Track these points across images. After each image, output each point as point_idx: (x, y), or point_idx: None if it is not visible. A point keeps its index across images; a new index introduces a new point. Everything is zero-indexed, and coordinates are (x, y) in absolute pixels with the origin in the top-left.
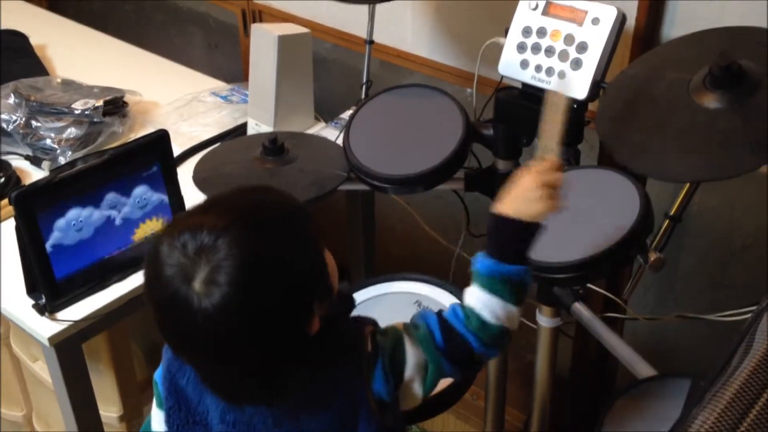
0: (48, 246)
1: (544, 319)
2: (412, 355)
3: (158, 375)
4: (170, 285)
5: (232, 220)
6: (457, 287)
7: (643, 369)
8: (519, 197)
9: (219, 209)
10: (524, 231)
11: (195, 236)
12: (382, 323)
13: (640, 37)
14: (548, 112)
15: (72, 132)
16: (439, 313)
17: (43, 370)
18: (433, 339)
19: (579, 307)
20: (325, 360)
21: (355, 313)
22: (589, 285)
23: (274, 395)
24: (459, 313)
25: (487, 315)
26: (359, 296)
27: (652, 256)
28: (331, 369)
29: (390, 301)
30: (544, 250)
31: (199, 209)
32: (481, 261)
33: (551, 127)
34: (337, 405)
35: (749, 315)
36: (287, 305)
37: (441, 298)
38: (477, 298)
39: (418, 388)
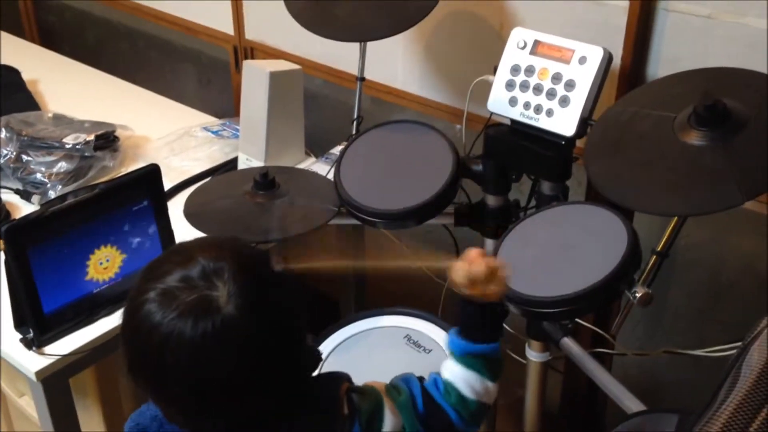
0: (37, 280)
1: (534, 354)
2: (389, 422)
3: None
4: (185, 323)
5: (213, 245)
6: (446, 322)
7: (632, 404)
8: (469, 283)
9: (191, 247)
10: (486, 312)
11: (192, 269)
12: (373, 357)
13: (625, 76)
14: None
15: (63, 166)
16: (422, 381)
17: (29, 406)
18: (415, 406)
19: (568, 342)
20: (302, 423)
21: (343, 349)
22: (577, 320)
23: None
24: (439, 385)
25: (465, 390)
26: (349, 330)
27: (640, 292)
28: (307, 427)
29: (380, 335)
30: (533, 285)
31: (168, 259)
32: (453, 341)
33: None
34: None
35: (735, 351)
36: (292, 311)
37: (431, 332)
38: (454, 373)
39: None
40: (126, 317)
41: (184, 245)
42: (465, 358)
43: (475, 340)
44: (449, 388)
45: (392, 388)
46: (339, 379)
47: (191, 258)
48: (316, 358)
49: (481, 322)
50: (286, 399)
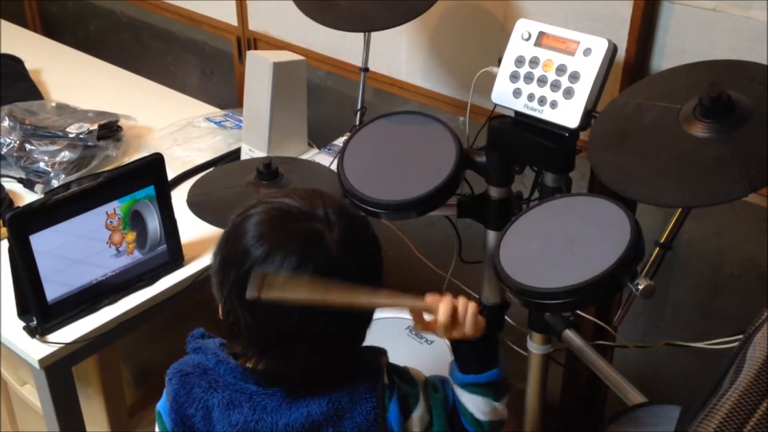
0: (40, 268)
1: (535, 346)
2: (420, 408)
3: (162, 406)
4: (295, 243)
5: (334, 199)
6: None
7: (633, 396)
8: (454, 325)
9: (316, 191)
10: (476, 347)
11: (316, 208)
12: None
13: (629, 69)
14: None
15: (66, 155)
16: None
17: (32, 394)
18: (446, 408)
19: (569, 334)
20: (349, 383)
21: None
22: (579, 312)
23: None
24: (459, 405)
25: (476, 412)
26: None
27: (643, 284)
28: (348, 389)
29: (382, 327)
30: (536, 277)
31: (293, 190)
32: (453, 374)
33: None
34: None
35: (737, 343)
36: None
37: None
38: (464, 396)
39: None
40: (233, 222)
41: (310, 189)
42: (468, 387)
43: (472, 372)
44: (462, 408)
45: (430, 383)
46: (378, 351)
47: (315, 198)
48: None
49: (473, 357)
50: (349, 352)
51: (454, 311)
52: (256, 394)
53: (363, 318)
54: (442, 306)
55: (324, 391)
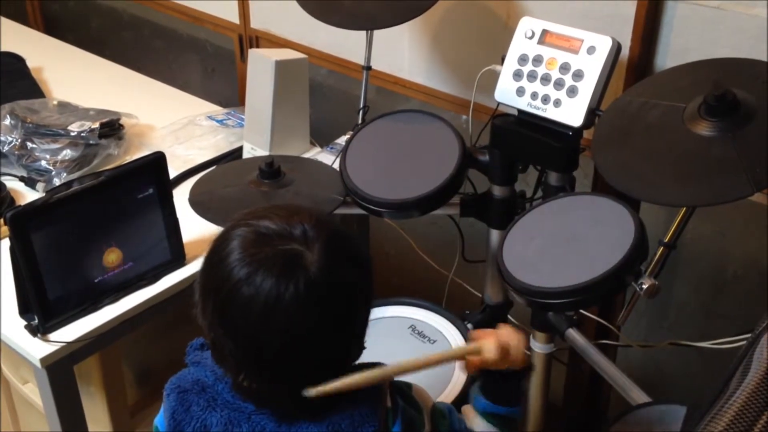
0: (41, 267)
1: (538, 345)
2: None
3: (159, 421)
4: (272, 265)
5: (313, 215)
6: (451, 312)
7: (637, 395)
8: (505, 359)
9: (296, 209)
10: (511, 379)
11: (294, 226)
12: (377, 348)
13: (633, 67)
14: None
15: (67, 154)
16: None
17: (33, 393)
18: None
19: (573, 333)
20: (346, 406)
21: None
22: (582, 311)
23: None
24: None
25: None
26: None
27: (647, 283)
28: (348, 412)
29: (385, 326)
30: (539, 276)
31: (272, 208)
32: (478, 401)
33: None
34: None
35: (742, 343)
36: (363, 295)
37: (435, 322)
38: (478, 425)
39: None
40: (212, 246)
41: (289, 205)
42: (487, 416)
43: (502, 403)
44: None
45: (438, 410)
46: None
47: (293, 216)
48: (360, 347)
49: (510, 388)
50: (340, 373)
51: (502, 346)
52: (254, 413)
53: (350, 339)
54: (487, 344)
55: (322, 413)
